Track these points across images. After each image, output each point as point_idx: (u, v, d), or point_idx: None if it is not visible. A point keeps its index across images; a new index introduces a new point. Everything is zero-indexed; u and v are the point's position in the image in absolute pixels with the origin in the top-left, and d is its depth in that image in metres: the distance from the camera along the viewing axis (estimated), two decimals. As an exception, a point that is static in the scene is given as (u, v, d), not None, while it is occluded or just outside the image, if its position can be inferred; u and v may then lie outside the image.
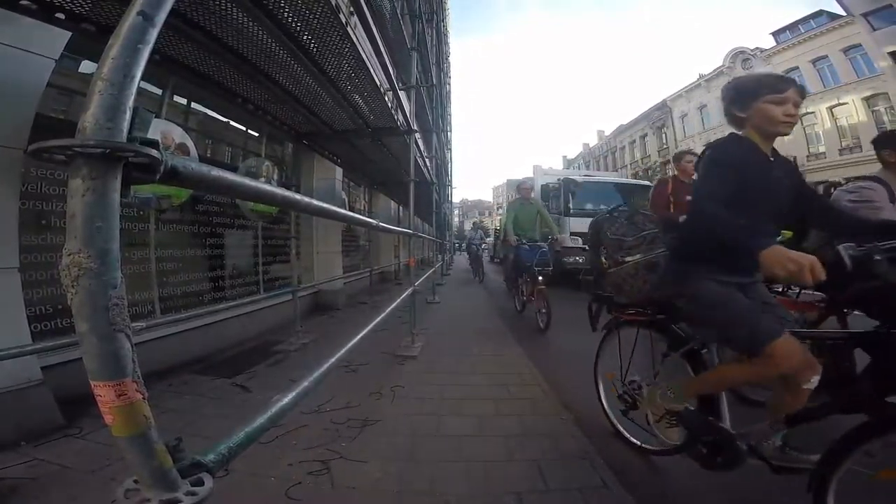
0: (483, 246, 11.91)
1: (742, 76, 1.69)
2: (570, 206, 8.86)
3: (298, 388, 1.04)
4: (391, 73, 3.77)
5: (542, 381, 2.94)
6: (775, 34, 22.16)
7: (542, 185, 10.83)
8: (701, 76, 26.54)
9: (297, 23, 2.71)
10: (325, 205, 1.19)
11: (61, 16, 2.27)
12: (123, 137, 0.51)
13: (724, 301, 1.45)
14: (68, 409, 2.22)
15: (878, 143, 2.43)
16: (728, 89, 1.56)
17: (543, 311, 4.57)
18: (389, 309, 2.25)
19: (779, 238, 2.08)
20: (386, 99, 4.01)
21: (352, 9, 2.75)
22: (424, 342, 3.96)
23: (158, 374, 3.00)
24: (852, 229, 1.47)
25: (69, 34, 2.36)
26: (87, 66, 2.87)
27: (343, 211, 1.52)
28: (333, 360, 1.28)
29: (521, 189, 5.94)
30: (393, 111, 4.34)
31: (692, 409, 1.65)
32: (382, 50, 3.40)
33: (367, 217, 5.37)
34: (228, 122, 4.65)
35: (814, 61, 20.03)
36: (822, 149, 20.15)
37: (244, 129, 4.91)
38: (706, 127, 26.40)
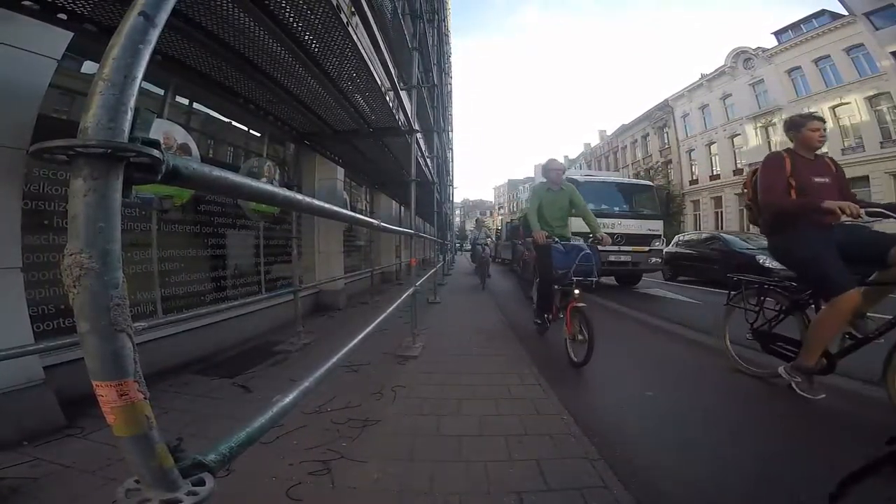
0: (486, 246, 10.31)
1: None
2: None
3: (299, 388, 1.04)
4: (392, 72, 3.77)
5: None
6: (777, 34, 22.12)
7: (543, 185, 10.81)
8: (703, 76, 26.51)
9: (299, 23, 2.71)
10: (326, 205, 1.19)
11: (63, 16, 2.28)
12: (125, 138, 0.51)
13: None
14: (69, 409, 2.23)
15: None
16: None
17: (581, 337, 3.26)
18: (390, 309, 2.25)
19: None
20: (387, 99, 4.01)
21: (353, 9, 2.76)
22: (425, 342, 3.96)
23: (159, 374, 3.01)
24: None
25: (71, 34, 2.36)
26: (88, 67, 2.88)
27: (344, 211, 1.52)
28: (334, 360, 1.29)
29: (548, 172, 4.27)
30: (394, 111, 4.34)
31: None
32: (384, 50, 3.41)
33: (369, 217, 5.38)
34: (230, 123, 4.66)
35: (816, 61, 20.00)
36: (824, 149, 20.02)
37: (246, 129, 4.92)
38: (708, 127, 26.37)
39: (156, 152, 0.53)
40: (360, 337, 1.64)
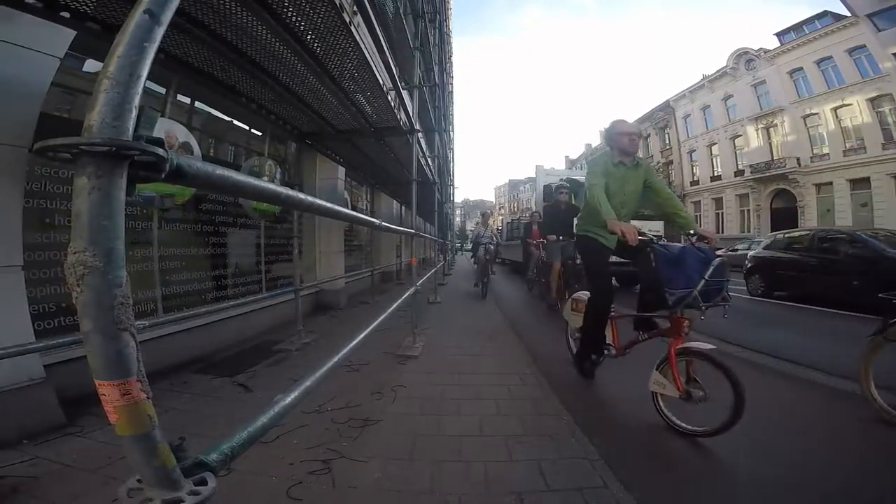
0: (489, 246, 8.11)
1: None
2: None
3: (300, 388, 1.04)
4: (394, 72, 3.78)
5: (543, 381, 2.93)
6: (779, 35, 22.08)
7: (544, 185, 10.81)
8: (704, 76, 26.48)
9: (301, 22, 2.71)
10: (327, 204, 1.19)
11: (66, 14, 2.28)
12: (129, 136, 0.51)
13: None
14: (70, 408, 2.23)
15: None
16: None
17: (699, 394, 2.12)
18: (391, 309, 2.25)
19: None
20: (389, 98, 4.01)
21: (355, 8, 2.76)
22: (426, 342, 3.96)
23: (160, 373, 3.01)
24: None
25: (74, 33, 2.36)
26: (91, 65, 2.88)
27: (346, 210, 1.52)
28: (335, 359, 1.28)
29: (618, 137, 2.74)
30: (395, 111, 4.34)
31: None
32: (385, 49, 3.41)
33: (370, 217, 5.38)
34: (232, 122, 4.66)
35: (818, 62, 19.96)
36: (825, 150, 20.08)
37: (247, 128, 4.92)
38: (709, 127, 26.34)
39: (160, 151, 0.53)
40: (360, 336, 1.63)
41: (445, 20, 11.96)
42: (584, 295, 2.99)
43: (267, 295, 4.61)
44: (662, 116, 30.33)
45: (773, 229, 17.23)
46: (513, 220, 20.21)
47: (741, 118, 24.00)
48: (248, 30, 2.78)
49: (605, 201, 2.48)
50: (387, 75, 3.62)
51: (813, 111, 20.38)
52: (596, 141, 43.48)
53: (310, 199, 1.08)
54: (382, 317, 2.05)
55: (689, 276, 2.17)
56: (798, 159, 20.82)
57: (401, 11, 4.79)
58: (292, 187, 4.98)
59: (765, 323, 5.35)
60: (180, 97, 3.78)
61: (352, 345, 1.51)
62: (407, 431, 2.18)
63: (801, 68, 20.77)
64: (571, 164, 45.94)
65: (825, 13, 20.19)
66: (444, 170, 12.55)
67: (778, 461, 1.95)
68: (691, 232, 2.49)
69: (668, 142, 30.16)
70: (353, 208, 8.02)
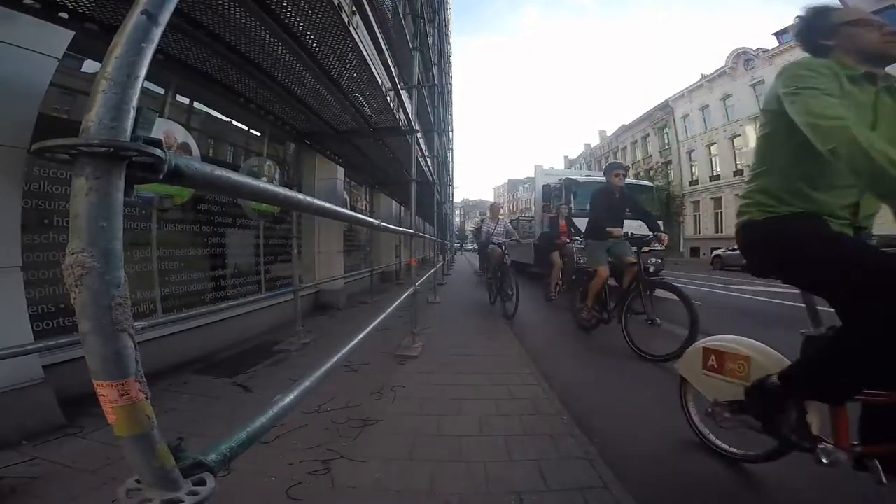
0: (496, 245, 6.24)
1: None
2: (572, 205, 8.87)
3: (299, 388, 1.04)
4: (393, 72, 3.78)
5: (542, 380, 2.94)
6: (778, 35, 22.12)
7: (543, 185, 10.82)
8: (703, 76, 26.54)
9: (300, 22, 2.71)
10: (326, 204, 1.19)
11: (64, 15, 2.28)
12: (127, 137, 0.51)
13: None
14: (69, 408, 2.23)
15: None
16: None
17: None
18: (390, 309, 2.25)
19: None
20: (388, 98, 4.01)
21: (354, 8, 2.76)
22: (425, 342, 3.96)
23: (159, 373, 3.00)
24: None
25: (72, 33, 2.36)
26: (89, 66, 2.88)
27: (345, 211, 1.52)
28: (335, 359, 1.28)
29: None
30: (395, 111, 4.34)
31: None
32: (384, 49, 3.41)
33: (369, 217, 5.38)
34: (230, 122, 4.66)
35: (816, 62, 19.97)
36: (824, 150, 20.10)
37: (246, 128, 4.92)
38: (708, 127, 26.38)
39: (158, 151, 0.53)
40: (360, 337, 1.63)
41: (444, 20, 11.96)
42: (735, 345, 1.73)
43: (266, 295, 4.61)
44: (661, 116, 30.39)
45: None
46: (517, 218, 19.98)
47: (740, 118, 24.04)
48: (247, 30, 2.78)
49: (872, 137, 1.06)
50: (386, 75, 3.63)
51: (812, 111, 20.41)
52: (595, 140, 43.54)
53: (309, 199, 1.08)
54: (382, 317, 2.05)
55: None
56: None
57: (400, 11, 4.79)
58: (291, 187, 4.98)
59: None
60: (179, 98, 3.78)
61: (351, 345, 1.50)
62: (406, 431, 2.17)
63: (800, 68, 20.79)
64: (570, 163, 46.01)
65: (824, 13, 20.20)
66: (444, 170, 12.55)
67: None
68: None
69: (667, 142, 30.20)
70: (353, 208, 8.02)
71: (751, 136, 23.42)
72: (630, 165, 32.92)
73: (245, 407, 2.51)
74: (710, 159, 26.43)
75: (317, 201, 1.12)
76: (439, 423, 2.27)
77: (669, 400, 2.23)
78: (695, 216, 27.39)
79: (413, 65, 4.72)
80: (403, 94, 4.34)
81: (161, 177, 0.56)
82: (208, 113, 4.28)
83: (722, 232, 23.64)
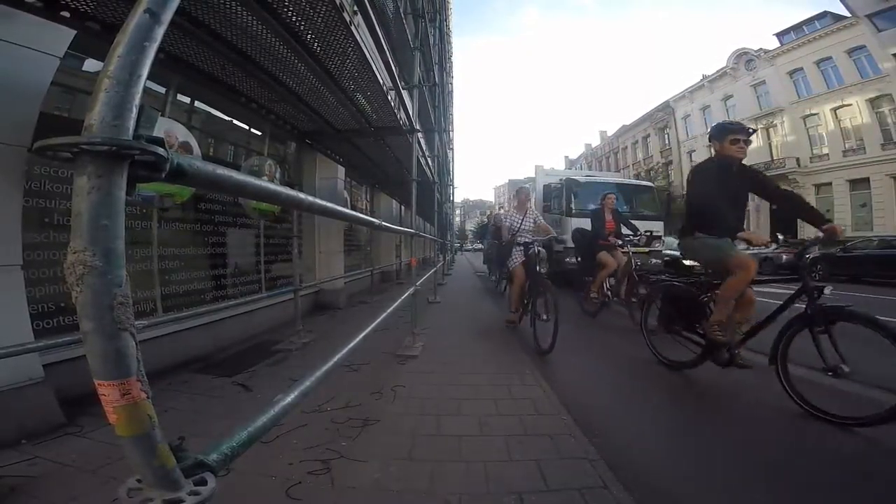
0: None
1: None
2: (573, 206, 8.85)
3: (300, 388, 1.04)
4: (394, 72, 3.78)
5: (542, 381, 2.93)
6: (779, 35, 22.12)
7: (543, 185, 10.82)
8: (704, 77, 26.53)
9: (301, 21, 2.71)
10: (327, 204, 1.19)
11: (66, 14, 2.28)
12: (129, 135, 0.50)
13: None
14: (69, 408, 2.23)
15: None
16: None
17: None
18: (391, 309, 2.25)
19: None
20: (389, 98, 4.01)
21: (355, 8, 2.76)
22: (425, 342, 3.96)
23: (159, 372, 3.00)
24: None
25: (74, 32, 2.36)
26: (91, 65, 2.88)
27: (345, 210, 1.51)
28: (335, 359, 1.28)
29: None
30: (395, 110, 4.34)
31: None
32: (386, 49, 3.41)
33: (370, 216, 5.37)
34: (231, 121, 4.66)
35: (818, 62, 20.00)
36: (825, 150, 20.12)
37: (247, 127, 4.92)
38: (709, 128, 26.35)
39: (161, 150, 0.53)
40: (360, 336, 1.63)
41: (445, 20, 11.96)
42: None
43: (266, 295, 4.61)
44: (662, 117, 30.37)
45: (773, 230, 17.22)
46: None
47: (741, 118, 24.02)
48: (249, 29, 2.78)
49: None
50: (387, 75, 3.63)
51: (812, 111, 20.42)
52: (595, 141, 43.50)
53: (309, 198, 1.08)
54: (382, 317, 2.05)
55: None
56: (798, 160, 20.85)
57: (401, 11, 4.79)
58: (292, 187, 4.97)
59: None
60: (180, 97, 3.78)
61: (351, 345, 1.50)
62: (406, 431, 2.17)
63: (801, 69, 20.81)
64: (571, 164, 45.97)
65: (825, 14, 20.22)
66: (444, 170, 12.55)
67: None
68: None
69: (667, 142, 30.19)
70: (353, 208, 8.02)
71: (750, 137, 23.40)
72: (630, 165, 32.95)
73: (245, 407, 2.51)
74: (711, 160, 26.40)
75: (318, 201, 1.12)
76: (439, 423, 2.27)
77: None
78: (695, 217, 27.36)
79: (414, 64, 4.72)
80: (404, 93, 4.34)
81: (163, 176, 0.56)
82: (209, 112, 4.28)
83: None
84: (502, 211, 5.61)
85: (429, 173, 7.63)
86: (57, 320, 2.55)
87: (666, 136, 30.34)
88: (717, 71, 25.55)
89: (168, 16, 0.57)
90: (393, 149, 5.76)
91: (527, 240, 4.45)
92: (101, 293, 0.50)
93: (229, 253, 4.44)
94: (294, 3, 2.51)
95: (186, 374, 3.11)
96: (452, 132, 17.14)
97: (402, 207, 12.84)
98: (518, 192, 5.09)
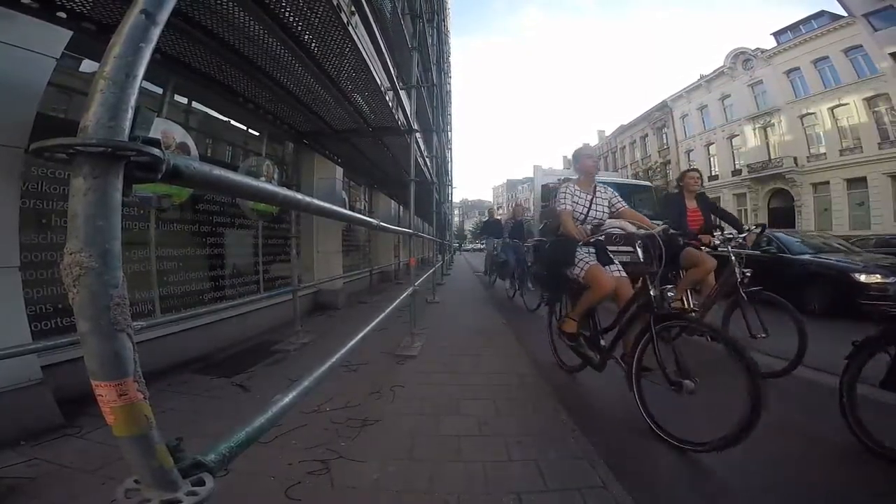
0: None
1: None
2: None
3: (298, 388, 1.04)
4: (392, 72, 3.77)
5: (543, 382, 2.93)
6: (776, 34, 22.16)
7: (542, 185, 10.82)
8: (702, 76, 26.54)
9: (299, 22, 2.71)
10: (325, 204, 1.19)
11: (62, 14, 2.27)
12: (126, 136, 0.50)
13: None
14: (67, 409, 2.22)
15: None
16: None
17: None
18: (389, 309, 2.25)
19: None
20: (387, 98, 4.01)
21: (353, 8, 2.75)
22: (424, 342, 3.95)
23: (158, 373, 3.00)
24: None
25: (70, 33, 2.36)
26: (87, 66, 2.87)
27: (343, 210, 1.52)
28: (334, 359, 1.28)
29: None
30: (393, 111, 4.34)
31: None
32: (383, 49, 3.40)
33: (368, 217, 5.38)
34: (229, 122, 4.65)
35: (815, 62, 20.04)
36: (822, 149, 20.17)
37: (245, 128, 4.91)
38: (706, 127, 26.41)
39: (157, 151, 0.53)
40: (359, 337, 1.63)
41: (443, 20, 11.96)
42: None
43: (265, 295, 4.60)
44: (660, 116, 30.40)
45: (771, 228, 17.34)
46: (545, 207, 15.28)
47: (738, 118, 24.08)
48: (246, 30, 2.77)
49: None
50: (385, 75, 3.62)
51: (810, 111, 20.47)
52: (594, 140, 43.52)
53: (307, 199, 1.08)
54: (381, 317, 2.05)
55: None
56: (795, 159, 20.89)
57: (399, 11, 4.78)
58: (290, 187, 4.97)
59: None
60: (177, 97, 3.77)
61: (350, 345, 1.50)
62: (406, 431, 2.17)
63: (798, 68, 20.86)
64: (569, 164, 45.85)
65: (822, 13, 20.27)
66: (443, 170, 12.55)
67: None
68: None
69: (665, 142, 30.22)
70: (351, 208, 8.02)
71: (749, 136, 23.48)
72: (628, 165, 32.96)
73: (244, 407, 2.50)
74: (709, 159, 26.43)
75: (315, 201, 1.12)
76: (438, 423, 2.27)
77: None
78: (693, 216, 27.40)
79: (412, 65, 4.72)
80: (402, 93, 4.34)
81: (159, 176, 0.55)
82: (206, 112, 4.27)
83: (722, 232, 23.67)
84: (560, 184, 3.21)
85: (427, 173, 7.62)
86: (55, 321, 2.55)
87: (664, 135, 30.37)
88: (715, 70, 25.58)
89: (164, 16, 0.57)
90: (391, 149, 5.75)
91: (620, 231, 2.82)
92: (97, 294, 0.50)
93: (227, 253, 4.44)
94: (291, 3, 2.51)
95: (185, 374, 3.11)
96: (451, 132, 17.14)
97: (401, 207, 12.84)
98: (579, 155, 3.37)
